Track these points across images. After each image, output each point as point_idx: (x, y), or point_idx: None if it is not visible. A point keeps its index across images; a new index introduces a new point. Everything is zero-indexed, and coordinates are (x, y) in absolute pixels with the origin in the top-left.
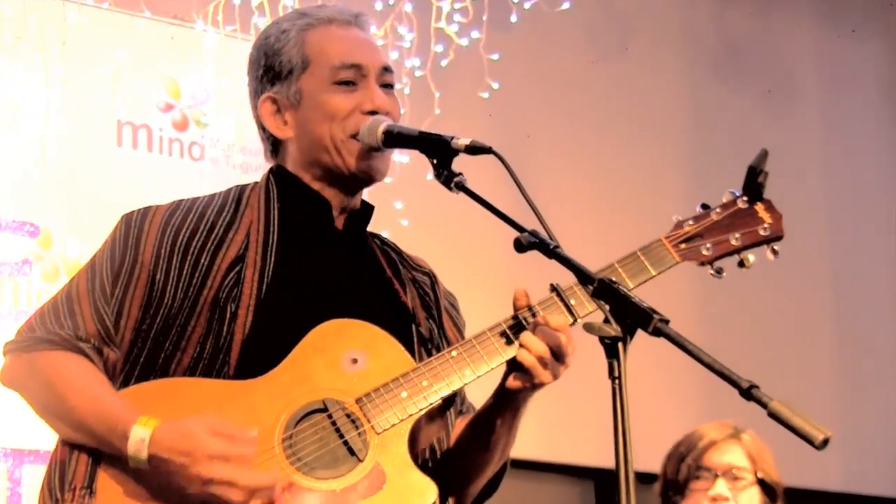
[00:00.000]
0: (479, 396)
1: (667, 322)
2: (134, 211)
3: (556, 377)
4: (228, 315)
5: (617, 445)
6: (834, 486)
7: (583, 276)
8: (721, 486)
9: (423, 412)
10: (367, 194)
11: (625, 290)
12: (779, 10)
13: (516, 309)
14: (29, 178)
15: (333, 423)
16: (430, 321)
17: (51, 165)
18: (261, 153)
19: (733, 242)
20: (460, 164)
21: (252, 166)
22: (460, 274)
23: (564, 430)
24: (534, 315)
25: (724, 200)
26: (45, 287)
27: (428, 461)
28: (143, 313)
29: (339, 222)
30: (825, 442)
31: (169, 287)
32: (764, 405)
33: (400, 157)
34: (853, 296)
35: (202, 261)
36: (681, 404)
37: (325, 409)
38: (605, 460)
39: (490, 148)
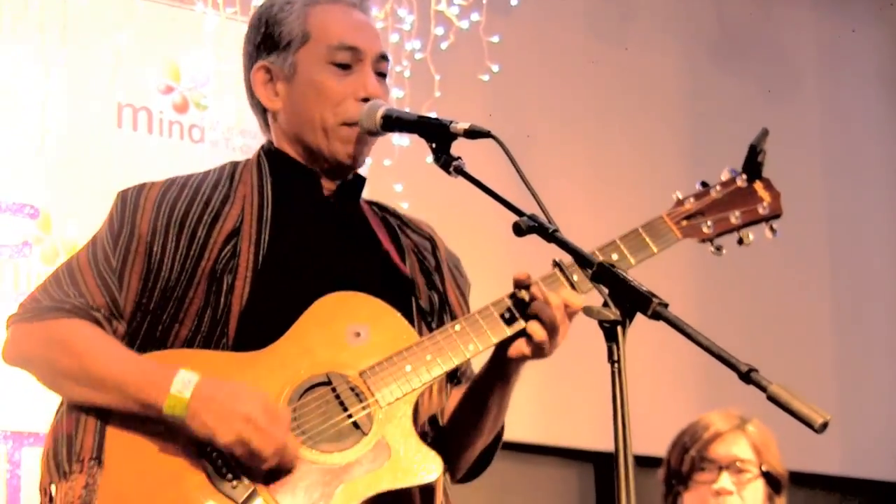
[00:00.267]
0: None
1: (666, 306)
2: (129, 188)
3: (555, 349)
4: (225, 287)
5: (616, 429)
6: (833, 470)
7: (582, 260)
8: (725, 480)
9: (426, 386)
10: (365, 173)
11: (623, 273)
12: None
13: (518, 285)
14: (28, 160)
15: (337, 397)
16: (432, 290)
17: (51, 148)
18: (260, 136)
19: (733, 220)
20: (460, 147)
21: (252, 148)
22: (460, 257)
23: (564, 414)
24: (536, 290)
25: (724, 178)
26: (45, 269)
27: (428, 434)
28: (142, 286)
29: (330, 195)
30: (824, 425)
31: (166, 260)
32: (763, 388)
33: (400, 140)
34: (851, 281)
35: (199, 234)
36: (680, 388)
37: (328, 383)
38: (604, 444)
39: (489, 132)
